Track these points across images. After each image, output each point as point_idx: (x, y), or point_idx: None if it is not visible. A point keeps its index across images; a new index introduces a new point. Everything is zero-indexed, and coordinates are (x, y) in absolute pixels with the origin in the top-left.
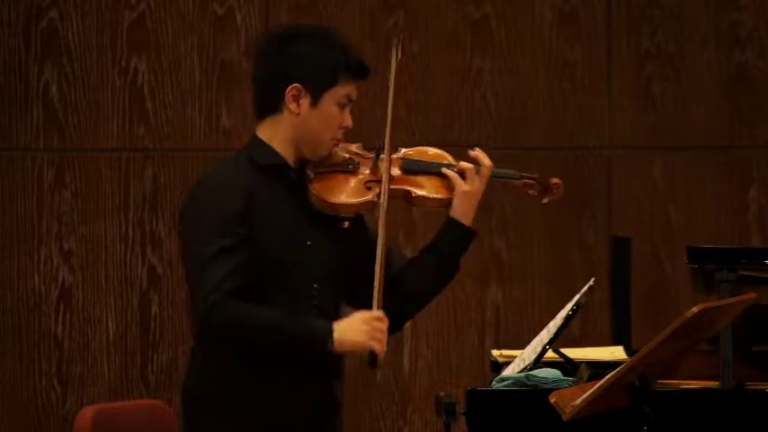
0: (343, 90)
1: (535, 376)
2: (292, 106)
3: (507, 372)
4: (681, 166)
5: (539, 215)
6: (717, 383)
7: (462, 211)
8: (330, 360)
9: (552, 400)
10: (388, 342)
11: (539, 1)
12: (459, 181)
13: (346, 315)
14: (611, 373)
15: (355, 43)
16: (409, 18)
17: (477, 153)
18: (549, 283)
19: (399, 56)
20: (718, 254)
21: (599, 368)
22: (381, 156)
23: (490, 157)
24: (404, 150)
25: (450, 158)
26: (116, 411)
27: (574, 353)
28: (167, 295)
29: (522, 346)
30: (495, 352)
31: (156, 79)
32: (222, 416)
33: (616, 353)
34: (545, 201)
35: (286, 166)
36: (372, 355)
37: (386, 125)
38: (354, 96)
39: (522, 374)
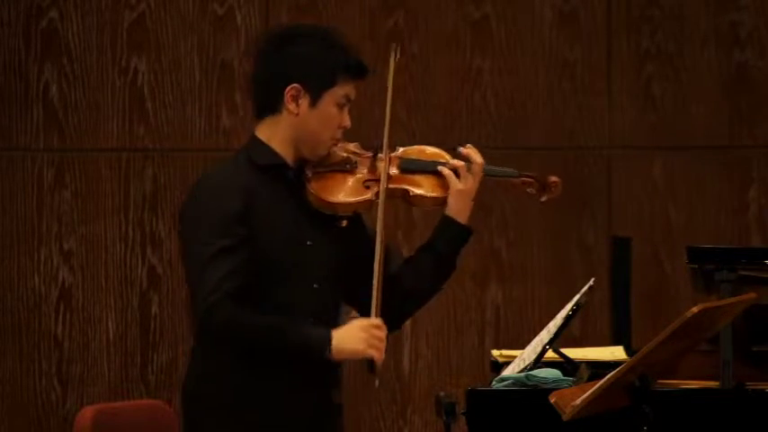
0: (342, 90)
1: (535, 376)
2: (291, 106)
3: (507, 372)
4: (681, 166)
5: (539, 215)
6: (717, 383)
7: (457, 209)
8: (328, 367)
9: (552, 400)
10: (387, 345)
11: (539, 1)
12: (454, 179)
13: (347, 314)
14: (611, 373)
15: (355, 43)
16: (409, 18)
17: (469, 150)
18: (549, 283)
19: (397, 57)
20: (718, 254)
21: (599, 368)
22: (379, 155)
23: (490, 158)
24: (401, 149)
25: (447, 157)
26: (116, 411)
27: (574, 353)
28: (167, 295)
29: (522, 346)
30: (495, 352)
31: (156, 79)
32: (222, 416)
33: (616, 353)
34: (543, 199)
35: (285, 165)
36: (371, 362)
37: (384, 125)
38: (353, 96)
39: (522, 374)
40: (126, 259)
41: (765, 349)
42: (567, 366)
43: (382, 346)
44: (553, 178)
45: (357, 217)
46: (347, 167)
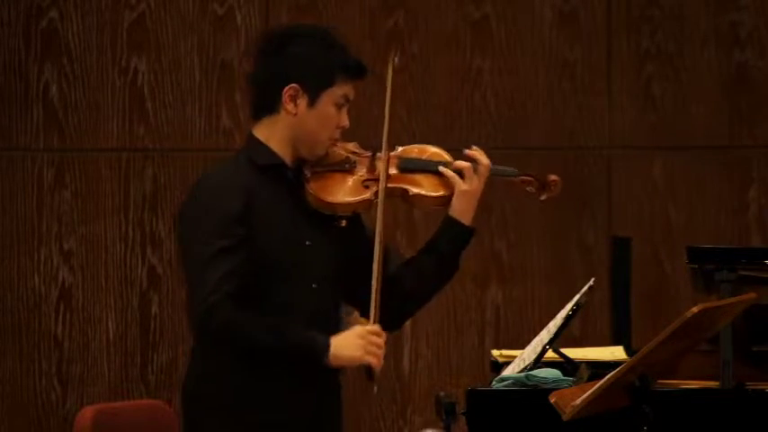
0: (341, 90)
1: (535, 376)
2: (290, 106)
3: (507, 372)
4: (681, 166)
5: (539, 215)
6: (717, 383)
7: (461, 210)
8: (327, 372)
9: (552, 400)
10: (386, 349)
11: (539, 1)
12: (458, 180)
13: (348, 314)
14: (611, 373)
15: (355, 43)
16: (409, 18)
17: (475, 152)
18: (549, 283)
19: (396, 64)
20: (718, 254)
21: (599, 368)
22: (378, 154)
23: (490, 157)
24: (401, 149)
25: (447, 156)
26: (116, 411)
27: (574, 353)
28: (167, 295)
29: (522, 346)
30: (495, 352)
31: (156, 79)
32: (222, 416)
33: (616, 353)
34: (543, 197)
35: (284, 165)
36: (369, 369)
37: (383, 124)
38: (352, 96)
39: (522, 374)
40: (126, 259)
41: (765, 349)
42: (567, 366)
43: (380, 352)
44: (552, 177)
45: (356, 217)
46: (346, 167)
